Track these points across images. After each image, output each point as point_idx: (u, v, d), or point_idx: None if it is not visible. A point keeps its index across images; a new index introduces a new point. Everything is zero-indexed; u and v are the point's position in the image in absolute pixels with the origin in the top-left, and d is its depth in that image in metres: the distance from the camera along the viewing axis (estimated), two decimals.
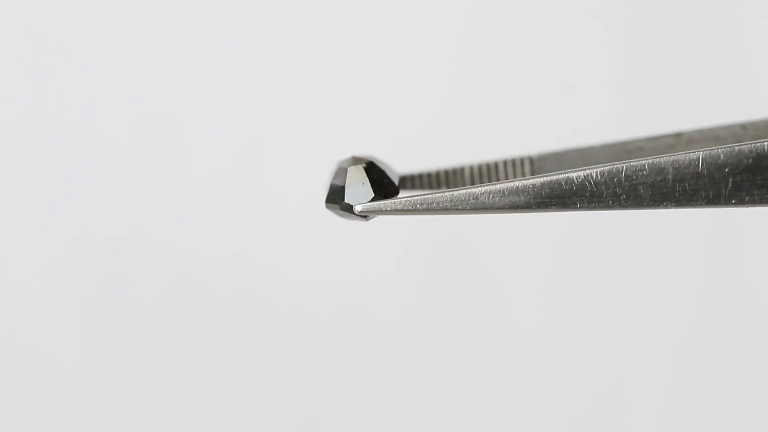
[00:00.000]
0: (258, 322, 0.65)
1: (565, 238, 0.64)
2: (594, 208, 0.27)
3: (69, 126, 0.65)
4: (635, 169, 0.26)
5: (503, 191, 0.27)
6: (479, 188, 0.27)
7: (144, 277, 0.65)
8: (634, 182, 0.26)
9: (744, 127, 0.30)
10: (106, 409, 0.65)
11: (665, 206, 0.26)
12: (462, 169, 0.31)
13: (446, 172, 0.31)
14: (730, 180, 0.26)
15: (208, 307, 0.65)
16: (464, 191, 0.28)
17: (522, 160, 0.31)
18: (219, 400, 0.65)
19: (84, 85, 0.65)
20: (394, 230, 0.64)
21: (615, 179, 0.26)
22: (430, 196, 0.28)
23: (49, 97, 0.65)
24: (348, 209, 0.31)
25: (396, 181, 0.30)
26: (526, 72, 0.64)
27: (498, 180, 0.31)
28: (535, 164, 0.31)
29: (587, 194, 0.27)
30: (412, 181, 0.32)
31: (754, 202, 0.26)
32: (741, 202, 0.26)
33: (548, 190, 0.27)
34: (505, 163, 0.31)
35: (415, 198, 0.28)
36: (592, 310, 0.64)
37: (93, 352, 0.65)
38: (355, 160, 0.31)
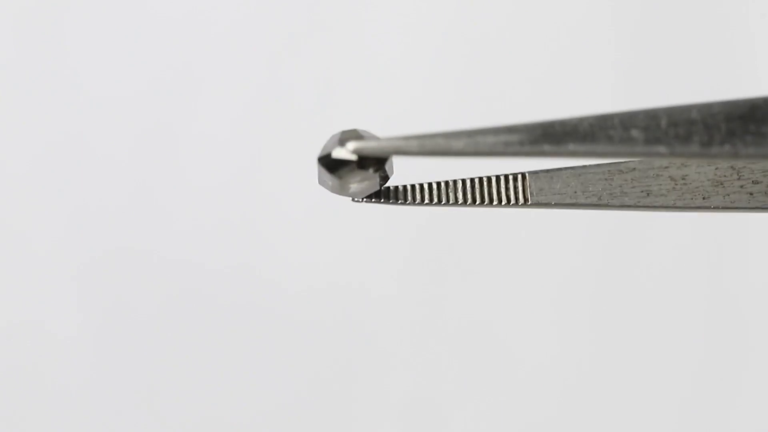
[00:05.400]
0: (259, 329, 0.65)
1: (568, 239, 0.64)
2: (587, 154, 0.27)
3: (67, 137, 0.65)
4: (629, 115, 0.27)
5: (498, 129, 0.27)
6: (474, 128, 0.27)
7: (145, 287, 0.65)
8: (627, 125, 0.26)
9: None
10: (109, 418, 0.65)
11: (659, 153, 0.26)
12: (455, 182, 0.31)
13: (438, 184, 0.31)
14: (723, 126, 0.27)
15: (211, 316, 0.65)
16: (459, 131, 0.27)
17: (515, 176, 0.31)
18: (222, 406, 0.65)
19: (82, 95, 0.65)
20: (396, 233, 0.64)
21: (609, 123, 0.27)
22: (422, 140, 0.27)
23: (49, 108, 0.65)
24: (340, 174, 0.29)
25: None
26: (527, 72, 0.64)
27: (491, 196, 0.31)
28: (527, 181, 0.31)
29: (580, 135, 0.27)
30: (404, 194, 0.31)
31: (747, 154, 0.26)
32: (735, 153, 0.26)
33: (541, 131, 0.27)
34: (497, 177, 0.31)
35: (409, 141, 0.28)
36: (593, 313, 0.64)
37: (96, 362, 0.65)
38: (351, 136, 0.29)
